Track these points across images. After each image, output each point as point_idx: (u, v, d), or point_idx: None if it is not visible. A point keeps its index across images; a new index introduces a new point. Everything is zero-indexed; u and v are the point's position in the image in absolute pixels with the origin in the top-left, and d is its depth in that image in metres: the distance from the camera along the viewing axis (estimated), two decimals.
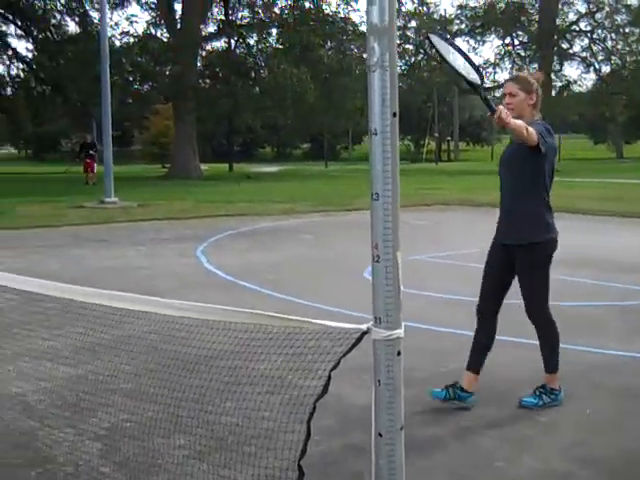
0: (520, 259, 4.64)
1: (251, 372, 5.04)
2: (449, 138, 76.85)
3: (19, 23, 44.04)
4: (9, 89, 49.51)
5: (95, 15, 39.91)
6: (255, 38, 42.64)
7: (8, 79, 48.21)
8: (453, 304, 7.77)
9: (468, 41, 51.39)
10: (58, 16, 43.53)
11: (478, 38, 51.63)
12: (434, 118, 66.39)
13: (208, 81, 42.98)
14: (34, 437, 4.15)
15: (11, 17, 43.90)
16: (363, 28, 38.21)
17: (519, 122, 4.32)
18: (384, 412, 2.44)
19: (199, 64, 41.62)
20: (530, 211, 4.61)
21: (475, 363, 4.79)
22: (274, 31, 42.57)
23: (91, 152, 30.43)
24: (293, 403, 4.39)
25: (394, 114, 2.32)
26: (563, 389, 4.83)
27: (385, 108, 2.30)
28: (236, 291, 8.55)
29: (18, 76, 48.13)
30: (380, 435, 2.45)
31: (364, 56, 42.75)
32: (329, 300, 7.77)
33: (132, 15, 58.65)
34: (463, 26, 51.93)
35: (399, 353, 2.42)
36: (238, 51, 43.22)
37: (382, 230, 2.35)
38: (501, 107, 4.18)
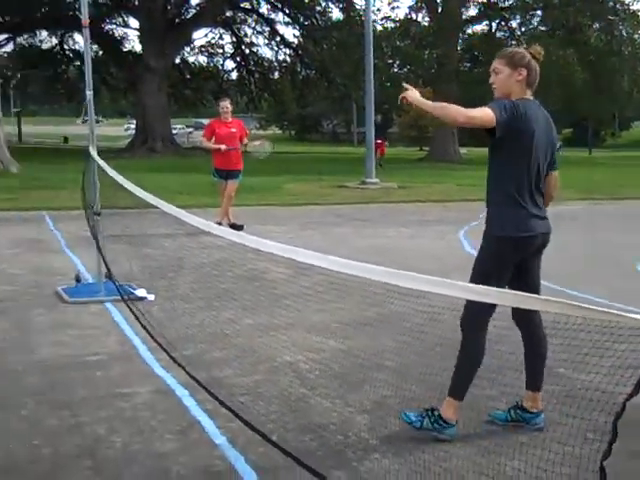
0: None
1: (517, 358, 4.94)
2: None
3: (287, 11, 46.14)
4: (276, 73, 52.22)
5: (358, 1, 40.91)
6: (518, 20, 41.59)
7: (276, 64, 50.94)
8: None
9: None
10: (323, 3, 45.08)
11: None
12: None
13: (468, 65, 42.59)
14: (307, 405, 4.34)
15: (280, 5, 46.12)
16: (636, 7, 36.04)
17: (423, 101, 3.80)
18: None
19: (459, 48, 41.32)
20: (492, 201, 3.93)
21: None
22: (538, 12, 41.25)
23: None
24: (564, 395, 4.26)
25: None
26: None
27: None
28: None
29: (285, 61, 50.67)
30: None
31: (635, 37, 40.27)
32: (600, 292, 7.33)
33: (394, 0, 59.05)
34: None
35: None
36: (499, 34, 42.38)
37: None
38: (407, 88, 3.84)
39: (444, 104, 3.74)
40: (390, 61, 42.09)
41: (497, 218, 3.88)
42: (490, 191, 3.93)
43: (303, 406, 4.32)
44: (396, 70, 43.35)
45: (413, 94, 3.86)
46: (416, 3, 42.05)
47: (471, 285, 2.41)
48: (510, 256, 3.85)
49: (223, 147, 11.37)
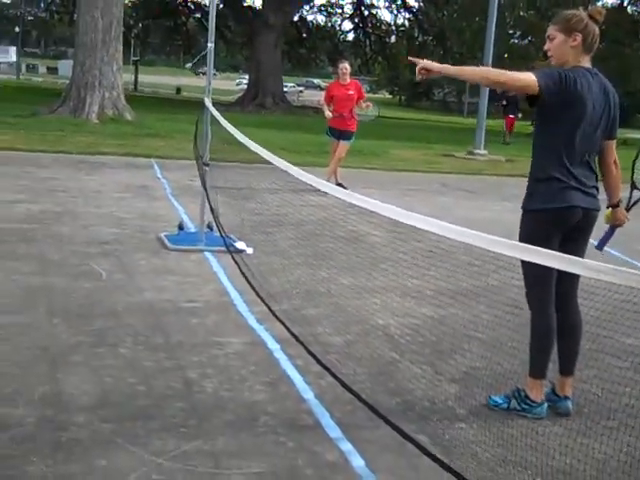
0: None
1: (615, 344, 4.81)
2: None
3: None
4: (393, 37, 51.60)
5: None
6: None
7: (393, 27, 50.24)
8: None
9: None
10: None
11: None
12: None
13: None
14: (396, 368, 4.35)
15: None
16: None
17: (449, 67, 3.66)
18: None
19: None
20: (531, 174, 3.76)
21: None
22: None
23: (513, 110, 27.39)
24: None
25: None
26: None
27: None
28: (601, 260, 8.15)
29: (403, 25, 49.92)
30: None
31: None
32: None
33: None
34: None
35: None
36: (630, 9, 40.72)
37: None
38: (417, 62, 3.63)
39: (482, 67, 3.66)
40: (511, 31, 41.02)
41: (534, 192, 3.75)
42: (532, 163, 3.81)
43: (392, 370, 4.33)
44: (516, 41, 42.29)
45: (432, 64, 3.69)
46: None
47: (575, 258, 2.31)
48: (547, 231, 3.69)
49: (328, 114, 11.49)
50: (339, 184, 10.92)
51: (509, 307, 4.97)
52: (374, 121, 12.39)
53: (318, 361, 3.94)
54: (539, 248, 2.43)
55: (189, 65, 57.21)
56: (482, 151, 19.91)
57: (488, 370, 4.32)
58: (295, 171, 4.54)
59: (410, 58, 3.87)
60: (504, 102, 27.10)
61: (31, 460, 3.06)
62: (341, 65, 11.87)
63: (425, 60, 3.73)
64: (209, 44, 7.22)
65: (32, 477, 2.96)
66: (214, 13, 7.30)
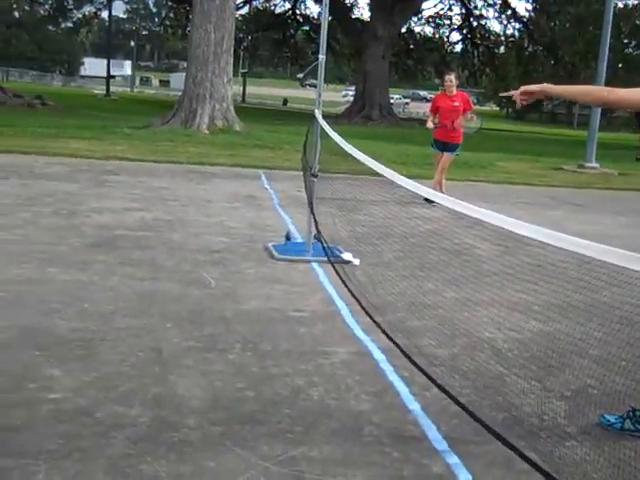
0: None
1: None
2: None
3: None
4: (502, 48, 50.88)
5: None
6: None
7: (503, 38, 49.56)
8: None
9: None
10: None
11: None
12: None
13: None
14: (503, 383, 4.29)
15: None
16: None
17: (560, 87, 3.49)
18: None
19: None
20: None
21: None
22: None
23: None
24: None
25: None
26: None
27: None
28: None
29: (513, 35, 49.20)
30: None
31: None
32: None
33: None
34: None
35: None
36: None
37: None
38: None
39: (585, 86, 3.53)
40: (626, 41, 39.80)
41: None
42: None
43: (499, 384, 4.27)
44: (631, 51, 41.01)
45: (530, 87, 3.59)
46: None
47: None
48: None
49: (429, 125, 11.51)
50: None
51: (621, 325, 4.84)
52: (478, 133, 12.26)
53: (423, 372, 3.93)
54: None
55: (300, 75, 58.06)
56: (593, 164, 19.38)
57: (599, 388, 4.21)
58: (403, 181, 4.56)
59: (502, 94, 3.77)
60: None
61: (146, 459, 3.17)
62: (447, 77, 11.84)
63: (522, 86, 3.66)
64: (320, 56, 7.30)
65: (146, 476, 3.07)
66: (326, 25, 7.40)
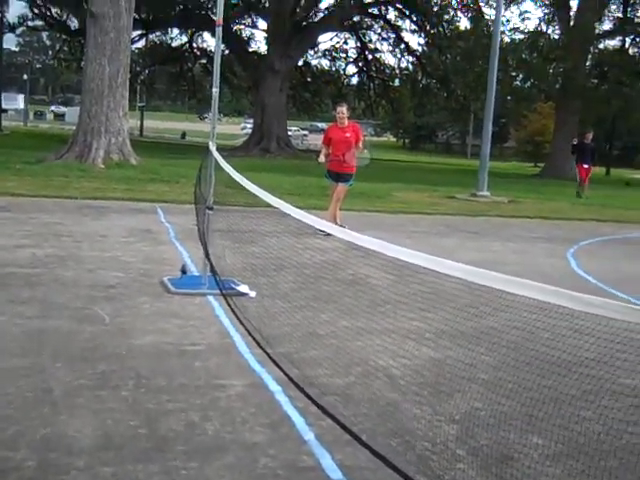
0: None
1: (612, 385, 4.82)
2: None
3: (414, 18, 45.99)
4: (397, 80, 52.17)
5: (488, 11, 40.43)
6: None
7: (397, 71, 50.84)
8: None
9: None
10: (452, 12, 44.69)
11: None
12: None
13: (595, 81, 41.42)
14: (396, 409, 4.37)
15: (408, 13, 46.06)
16: None
17: None
18: None
19: (587, 63, 40.24)
20: None
21: None
22: None
23: (588, 155, 23.08)
24: None
25: None
26: None
27: None
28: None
29: (407, 69, 50.51)
30: None
31: None
32: None
33: (525, 12, 58.75)
34: None
35: None
36: (632, 50, 41.12)
37: None
38: None
39: None
40: (514, 74, 41.31)
41: None
42: None
43: (392, 410, 4.35)
44: (518, 84, 42.58)
45: None
46: (548, 15, 41.24)
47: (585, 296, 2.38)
48: None
49: (321, 159, 11.68)
50: (340, 226, 11.00)
51: (508, 349, 5.01)
52: (369, 165, 12.46)
53: (316, 403, 3.97)
54: (533, 283, 2.48)
55: (205, 116, 58.07)
56: (485, 192, 20.02)
57: (488, 410, 4.34)
58: (297, 213, 4.62)
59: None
60: (573, 150, 24.03)
61: None
62: (338, 109, 12.07)
63: None
64: (214, 89, 7.33)
65: None
66: (219, 58, 7.44)
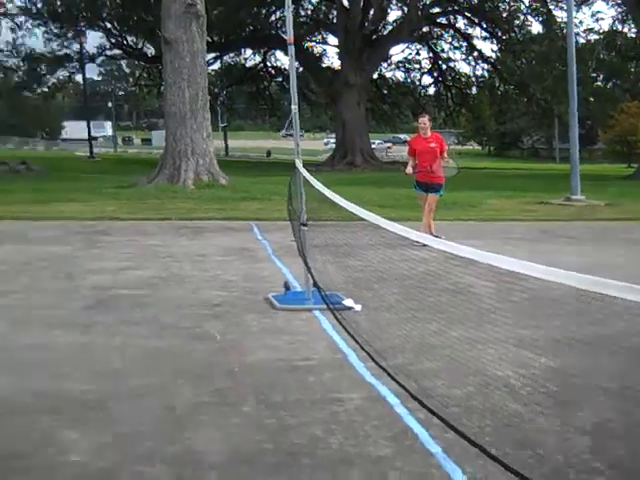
0: None
1: None
2: None
3: (484, 26, 45.55)
4: (474, 88, 51.71)
5: (559, 14, 39.71)
6: None
7: (474, 79, 50.46)
8: None
9: None
10: (522, 17, 44.12)
11: None
12: None
13: None
14: (521, 420, 4.26)
15: (477, 20, 45.65)
16: None
17: None
18: None
19: None
20: None
21: None
22: None
23: None
24: None
25: None
26: None
27: None
28: None
29: (483, 76, 50.09)
30: None
31: None
32: None
33: (598, 12, 57.63)
34: None
35: None
36: None
37: None
38: None
39: None
40: (594, 74, 40.43)
41: None
42: None
43: (517, 422, 4.24)
44: (600, 84, 41.66)
45: None
46: (621, 14, 40.29)
47: None
48: None
49: (408, 170, 11.61)
50: (436, 236, 10.88)
51: (631, 357, 4.85)
52: (457, 175, 12.28)
53: (437, 416, 3.90)
54: None
55: (283, 132, 58.64)
56: (579, 196, 19.54)
57: (620, 420, 4.19)
58: (390, 225, 4.58)
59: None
60: None
61: None
62: (420, 119, 12.05)
63: None
64: (293, 107, 7.37)
65: None
66: (294, 75, 7.49)
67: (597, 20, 49.46)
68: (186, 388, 4.78)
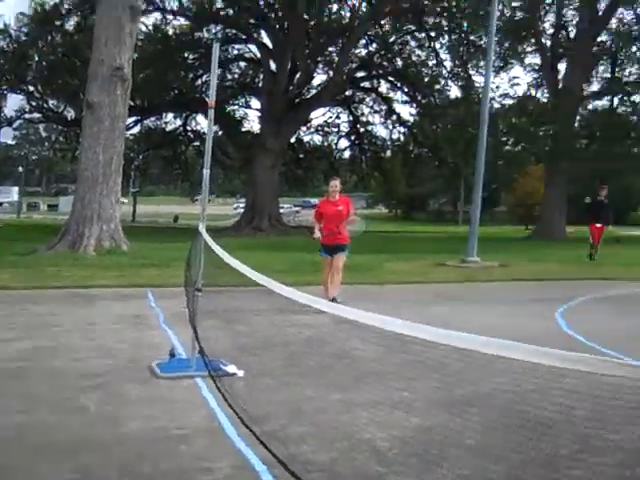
0: None
1: (603, 442, 4.80)
2: None
3: (405, 89, 46.72)
4: (389, 151, 52.75)
5: (478, 79, 41.16)
6: None
7: (389, 142, 51.41)
8: None
9: None
10: (442, 81, 45.45)
11: None
12: None
13: (584, 142, 41.91)
14: None
15: (399, 84, 46.83)
16: None
17: None
18: None
19: (576, 124, 40.77)
20: None
21: None
22: None
23: (602, 213, 21.98)
24: None
25: None
26: None
27: None
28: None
29: (398, 139, 51.02)
30: None
31: None
32: None
33: (514, 77, 60.25)
34: None
35: None
36: (620, 110, 41.70)
37: None
38: None
39: None
40: (504, 138, 41.84)
41: None
42: None
43: None
44: (508, 148, 43.08)
45: None
46: (536, 79, 42.16)
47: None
48: None
49: (316, 235, 11.77)
50: (332, 299, 11.00)
51: (499, 414, 4.98)
52: (363, 235, 12.54)
53: None
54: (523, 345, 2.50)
55: (193, 197, 58.54)
56: (475, 258, 20.07)
57: (476, 477, 4.29)
58: (283, 290, 4.64)
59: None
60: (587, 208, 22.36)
61: None
62: (332, 182, 12.21)
63: None
64: (205, 170, 7.43)
65: None
66: (210, 140, 7.55)
67: (513, 85, 51.53)
68: (48, 466, 4.67)
